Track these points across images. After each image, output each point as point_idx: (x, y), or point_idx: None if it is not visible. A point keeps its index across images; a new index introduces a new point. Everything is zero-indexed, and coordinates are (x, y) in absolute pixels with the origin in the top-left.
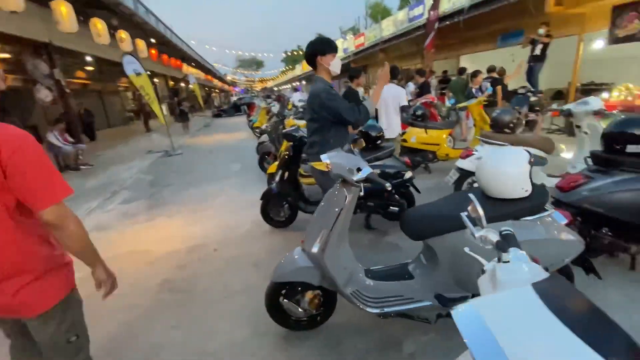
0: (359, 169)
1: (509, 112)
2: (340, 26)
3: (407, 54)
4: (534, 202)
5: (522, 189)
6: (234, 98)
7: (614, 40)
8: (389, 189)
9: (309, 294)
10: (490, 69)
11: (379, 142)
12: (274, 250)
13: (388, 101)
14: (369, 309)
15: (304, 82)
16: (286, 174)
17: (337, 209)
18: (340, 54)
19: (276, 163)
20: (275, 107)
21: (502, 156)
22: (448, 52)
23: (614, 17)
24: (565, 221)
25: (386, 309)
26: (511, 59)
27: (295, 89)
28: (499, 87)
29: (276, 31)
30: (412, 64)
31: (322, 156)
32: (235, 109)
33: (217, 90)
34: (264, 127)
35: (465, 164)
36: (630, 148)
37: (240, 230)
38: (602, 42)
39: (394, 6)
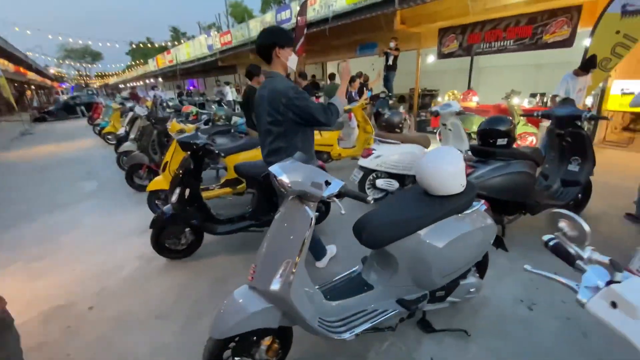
0: (327, 182)
1: (398, 114)
2: (199, 21)
3: None
4: (469, 196)
5: (460, 184)
6: (64, 96)
7: (441, 55)
8: (371, 201)
9: (265, 341)
10: (357, 76)
11: None
12: (180, 290)
13: None
14: (343, 336)
15: (160, 80)
16: (186, 192)
17: (302, 233)
18: (204, 50)
19: (159, 178)
20: (142, 109)
21: (442, 156)
22: (315, 57)
23: (440, 37)
24: (484, 208)
25: (356, 330)
26: (372, 68)
27: (153, 87)
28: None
29: (119, 19)
30: None
31: (272, 168)
32: (68, 110)
33: (32, 87)
34: (121, 132)
35: (367, 162)
36: (499, 141)
37: (123, 272)
38: (432, 57)
39: (255, 7)
